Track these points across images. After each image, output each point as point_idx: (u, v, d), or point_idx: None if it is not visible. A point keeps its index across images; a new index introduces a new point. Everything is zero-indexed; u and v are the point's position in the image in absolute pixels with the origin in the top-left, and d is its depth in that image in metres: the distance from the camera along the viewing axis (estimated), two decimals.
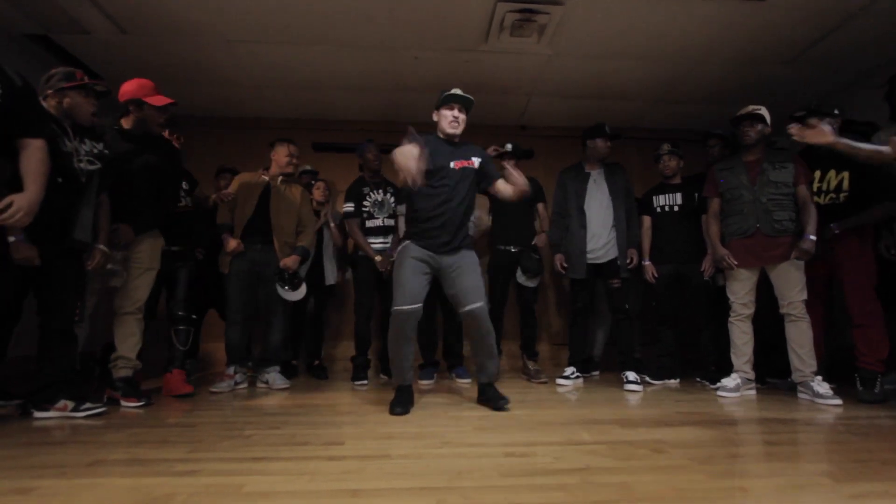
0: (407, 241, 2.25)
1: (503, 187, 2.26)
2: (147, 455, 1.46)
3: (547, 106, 3.88)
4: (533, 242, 3.21)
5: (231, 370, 2.64)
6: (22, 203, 1.65)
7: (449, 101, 2.26)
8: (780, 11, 2.64)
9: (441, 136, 2.31)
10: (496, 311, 3.15)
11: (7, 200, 1.62)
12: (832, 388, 2.37)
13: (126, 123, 2.37)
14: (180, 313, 2.67)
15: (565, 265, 3.01)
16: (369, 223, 3.17)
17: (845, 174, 2.52)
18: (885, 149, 2.11)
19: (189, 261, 2.77)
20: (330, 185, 3.58)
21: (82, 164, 2.04)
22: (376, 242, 3.14)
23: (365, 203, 3.18)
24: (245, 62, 3.18)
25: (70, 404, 1.98)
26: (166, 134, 2.74)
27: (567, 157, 3.61)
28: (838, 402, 2.28)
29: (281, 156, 2.91)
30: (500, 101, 3.75)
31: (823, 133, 2.15)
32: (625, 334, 2.96)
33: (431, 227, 2.18)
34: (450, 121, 2.25)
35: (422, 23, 2.77)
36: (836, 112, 2.55)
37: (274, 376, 2.83)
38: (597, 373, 3.38)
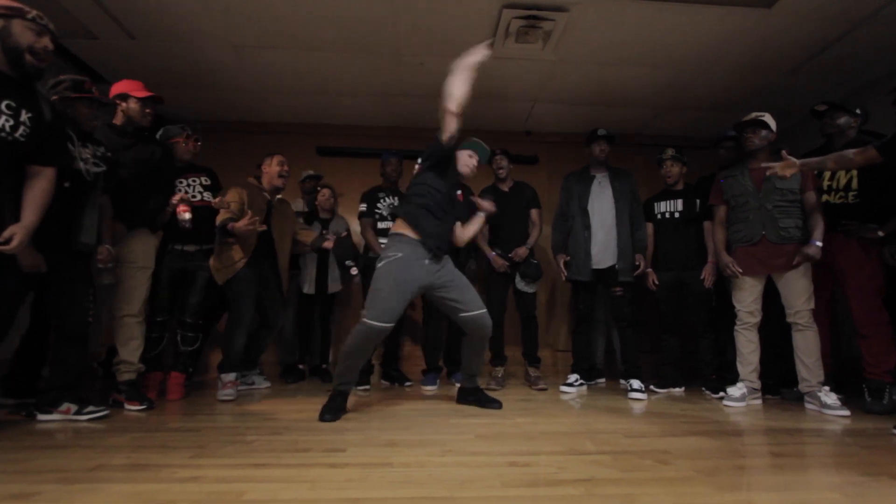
0: (397, 254, 2.19)
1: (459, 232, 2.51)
2: (149, 460, 1.46)
3: (551, 112, 3.88)
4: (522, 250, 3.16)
5: (233, 377, 2.62)
6: (19, 233, 1.68)
7: (471, 149, 2.50)
8: (785, 20, 2.64)
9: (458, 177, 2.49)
10: (496, 317, 3.13)
11: (8, 233, 1.66)
12: (840, 399, 2.34)
13: (116, 121, 2.41)
14: (188, 321, 2.66)
15: (565, 271, 3.00)
16: (381, 224, 3.22)
17: (854, 173, 2.50)
18: (848, 152, 2.13)
19: (207, 263, 2.69)
20: (334, 191, 3.59)
21: (88, 167, 2.06)
22: (384, 244, 3.17)
23: (379, 206, 3.24)
24: (251, 67, 3.20)
25: (73, 407, 1.98)
26: (183, 138, 2.75)
27: (571, 164, 3.60)
28: (846, 413, 2.25)
29: (273, 168, 2.85)
30: (504, 106, 3.76)
31: (791, 164, 2.19)
32: (628, 342, 2.94)
33: (442, 239, 2.31)
34: (470, 167, 2.46)
35: (428, 29, 2.78)
36: (857, 111, 2.54)
37: (258, 378, 3.03)
38: (602, 380, 3.36)
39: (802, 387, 2.47)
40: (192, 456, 1.50)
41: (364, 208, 3.23)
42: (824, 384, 2.41)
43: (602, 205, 2.98)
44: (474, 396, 2.43)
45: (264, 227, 2.77)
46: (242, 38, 2.88)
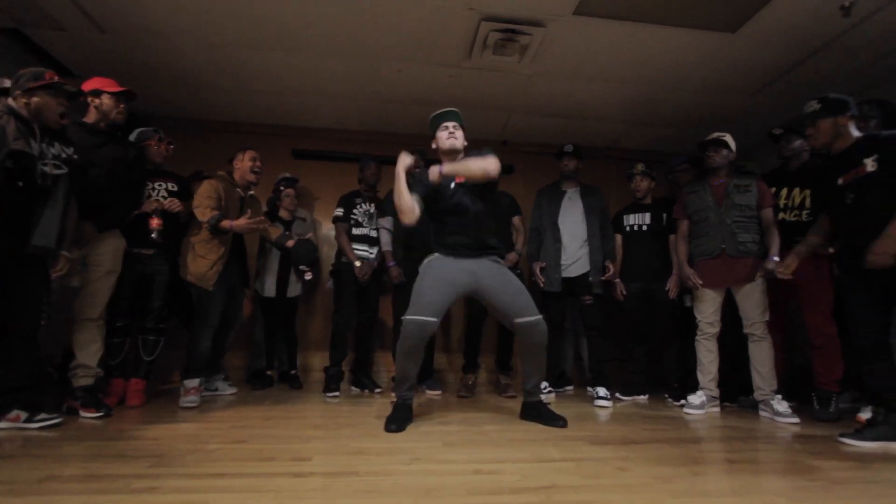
0: (434, 255, 2.23)
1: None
2: (104, 470, 1.41)
3: (527, 123, 3.95)
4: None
5: (196, 382, 2.56)
6: None
7: (438, 123, 2.27)
8: (748, 45, 2.78)
9: (444, 160, 2.28)
10: (476, 325, 3.17)
11: None
12: (791, 407, 2.46)
13: (88, 119, 2.34)
14: (150, 326, 2.58)
15: (542, 277, 3.05)
16: (356, 231, 3.22)
17: (808, 192, 2.64)
18: (816, 235, 2.30)
19: (166, 266, 2.63)
20: (308, 193, 3.56)
21: (46, 168, 1.97)
22: (360, 250, 3.18)
23: (354, 211, 3.24)
24: (227, 66, 3.14)
25: (23, 415, 1.90)
26: (155, 140, 2.69)
27: (547, 174, 3.68)
28: (796, 420, 2.37)
29: (246, 164, 2.81)
30: (481, 116, 3.81)
31: (789, 266, 2.32)
32: (596, 351, 3.01)
33: (454, 238, 2.21)
34: (447, 136, 2.22)
35: (407, 36, 2.80)
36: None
37: (222, 384, 2.94)
38: (570, 388, 3.43)
39: (757, 395, 2.58)
40: (151, 465, 1.46)
41: (340, 213, 3.22)
42: (777, 392, 2.52)
43: (573, 219, 3.06)
44: (537, 412, 2.25)
45: (268, 226, 2.77)
46: (218, 37, 2.83)
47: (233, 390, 2.99)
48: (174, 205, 2.61)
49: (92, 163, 2.24)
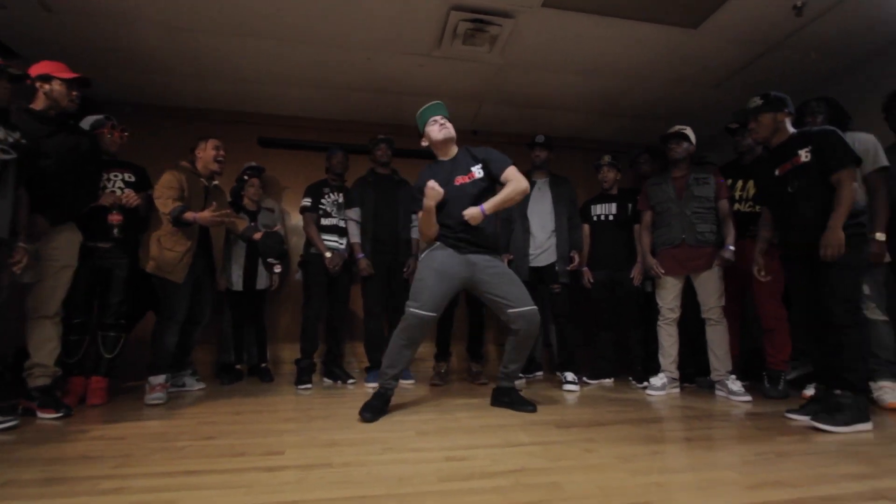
0: (436, 243, 2.23)
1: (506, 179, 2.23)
2: (66, 473, 1.37)
3: (498, 113, 3.98)
4: None
5: (162, 379, 2.49)
6: None
7: (426, 119, 2.29)
8: (709, 40, 2.88)
9: (438, 155, 2.32)
10: (447, 313, 3.20)
11: None
12: (744, 386, 2.61)
13: (37, 105, 2.19)
14: (110, 322, 2.49)
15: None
16: (325, 221, 3.17)
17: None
18: (764, 231, 2.42)
19: (124, 260, 2.53)
20: (275, 183, 3.48)
21: None
22: (330, 240, 3.14)
23: (323, 201, 3.19)
24: (186, 50, 3.01)
25: None
26: (108, 128, 2.57)
27: (517, 164, 3.70)
28: (748, 398, 2.52)
29: (209, 153, 2.71)
30: (451, 105, 3.72)
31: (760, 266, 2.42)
32: (564, 337, 3.10)
33: (458, 235, 2.22)
34: (439, 129, 2.25)
35: (375, 24, 2.76)
36: None
37: (190, 379, 2.88)
38: (540, 373, 3.52)
39: (713, 375, 2.73)
40: (117, 466, 1.43)
41: (308, 203, 3.17)
42: (731, 373, 2.68)
43: (541, 209, 3.12)
44: (509, 398, 2.32)
45: (234, 218, 2.71)
46: (177, 20, 2.71)
47: (201, 385, 2.93)
48: (131, 198, 2.51)
49: (41, 152, 2.11)
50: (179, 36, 2.86)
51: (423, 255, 2.27)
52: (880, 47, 2.93)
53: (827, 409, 1.93)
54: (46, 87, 2.17)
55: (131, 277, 2.55)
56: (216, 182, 2.83)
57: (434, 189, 2.07)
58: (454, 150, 2.31)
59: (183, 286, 2.54)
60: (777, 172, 2.17)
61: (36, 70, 2.18)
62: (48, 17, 2.65)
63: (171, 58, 3.09)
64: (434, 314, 2.14)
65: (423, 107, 2.31)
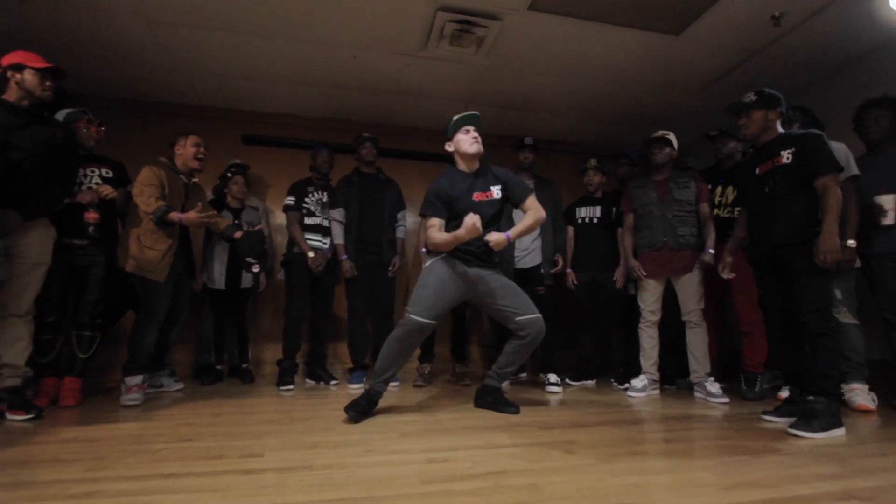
0: (443, 253, 2.21)
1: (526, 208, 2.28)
2: (36, 476, 1.33)
3: (484, 114, 3.92)
4: None
5: (139, 379, 2.44)
6: None
7: (459, 126, 2.28)
8: (691, 47, 2.94)
9: (460, 164, 2.30)
10: None
11: None
12: (722, 388, 2.66)
13: (9, 97, 2.11)
14: (84, 321, 2.43)
15: None
16: (309, 220, 3.14)
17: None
18: (738, 231, 2.44)
19: (101, 258, 2.47)
20: (259, 181, 3.44)
21: None
22: (313, 240, 3.11)
23: (307, 200, 3.16)
24: (169, 45, 2.96)
25: None
26: (84, 122, 2.50)
27: (503, 165, 3.66)
28: (726, 400, 2.57)
29: (189, 150, 2.66)
30: (439, 106, 3.80)
31: (725, 265, 2.49)
32: (548, 339, 3.11)
33: (464, 247, 2.20)
34: (472, 140, 2.25)
35: (362, 23, 2.74)
36: (742, 137, 2.87)
37: (168, 380, 2.83)
38: (524, 374, 3.54)
39: (692, 377, 2.78)
40: (89, 469, 1.39)
41: (291, 202, 3.13)
42: (710, 375, 2.73)
43: None
44: (492, 398, 2.33)
45: (220, 222, 2.69)
46: (157, 13, 2.66)
47: (179, 386, 2.88)
48: (106, 190, 2.45)
49: (12, 144, 2.05)
50: (160, 30, 2.80)
51: (428, 264, 2.27)
52: (853, 59, 3.03)
53: (802, 415, 1.95)
54: (18, 76, 2.10)
55: (108, 276, 2.49)
56: (195, 179, 2.78)
57: (476, 227, 2.02)
58: (477, 164, 2.32)
59: (164, 285, 2.49)
60: (757, 171, 2.18)
61: (7, 60, 2.11)
62: (20, 8, 2.58)
63: (152, 52, 3.03)
64: (434, 322, 2.16)
65: (461, 114, 2.30)
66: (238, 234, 2.73)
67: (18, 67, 2.11)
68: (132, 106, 3.67)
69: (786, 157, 2.06)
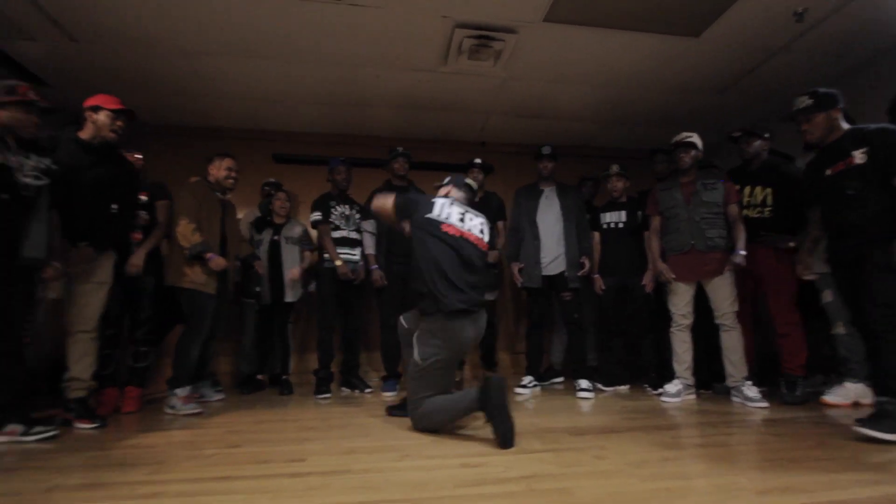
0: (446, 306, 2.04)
1: None
2: (106, 478, 1.46)
3: (505, 124, 4.05)
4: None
5: (187, 391, 2.59)
6: None
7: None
8: (712, 48, 2.92)
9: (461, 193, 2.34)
10: None
11: None
12: (761, 392, 2.60)
13: (84, 135, 2.31)
14: (141, 336, 2.63)
15: (520, 276, 3.16)
16: (336, 234, 3.25)
17: (769, 190, 2.78)
18: (813, 232, 2.48)
19: (150, 277, 2.67)
20: (291, 197, 3.60)
21: (28, 180, 1.98)
22: (343, 253, 3.22)
23: (332, 214, 3.27)
24: (204, 73, 3.17)
25: (19, 428, 1.93)
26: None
27: (525, 173, 3.78)
28: (765, 404, 2.51)
29: (221, 172, 2.81)
30: (460, 118, 3.89)
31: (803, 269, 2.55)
32: (577, 343, 3.13)
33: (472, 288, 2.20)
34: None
35: (382, 43, 2.86)
36: (766, 135, 2.84)
37: (208, 390, 2.98)
38: (561, 379, 3.52)
39: (729, 381, 2.72)
40: (151, 472, 1.52)
41: (319, 216, 3.24)
42: (748, 379, 2.67)
43: (550, 217, 3.17)
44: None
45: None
46: (193, 45, 2.85)
47: (220, 395, 3.03)
48: (142, 220, 2.69)
49: (81, 182, 2.23)
50: (196, 60, 3.01)
51: (432, 322, 2.05)
52: (883, 50, 2.93)
53: (873, 415, 1.85)
54: (94, 116, 2.30)
55: (157, 293, 2.68)
56: (228, 197, 2.93)
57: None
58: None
59: (214, 298, 2.66)
60: (829, 172, 2.04)
61: (90, 101, 2.31)
62: (73, 47, 2.82)
63: (189, 80, 3.25)
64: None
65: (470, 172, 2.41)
66: (259, 268, 3.11)
67: (96, 109, 2.30)
68: (171, 131, 3.92)
69: (859, 157, 1.94)
